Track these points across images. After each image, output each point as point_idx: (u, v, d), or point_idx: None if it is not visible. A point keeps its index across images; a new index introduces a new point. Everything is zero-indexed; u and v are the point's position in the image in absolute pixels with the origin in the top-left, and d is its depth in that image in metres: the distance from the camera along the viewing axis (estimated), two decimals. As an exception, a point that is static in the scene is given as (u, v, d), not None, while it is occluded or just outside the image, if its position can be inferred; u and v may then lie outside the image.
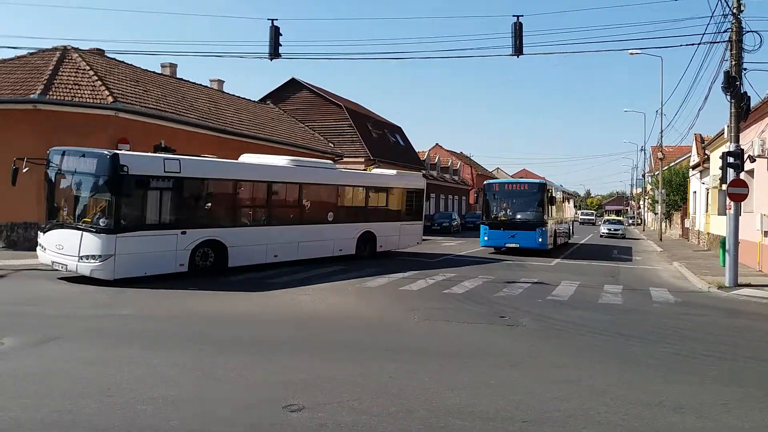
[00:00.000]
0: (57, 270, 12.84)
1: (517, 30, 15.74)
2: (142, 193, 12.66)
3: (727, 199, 15.64)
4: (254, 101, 33.76)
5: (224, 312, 10.39)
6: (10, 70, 19.41)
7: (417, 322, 9.88)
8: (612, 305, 12.37)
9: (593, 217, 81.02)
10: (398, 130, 47.69)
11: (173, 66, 27.99)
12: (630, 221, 75.73)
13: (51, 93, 17.93)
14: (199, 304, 10.96)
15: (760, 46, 15.05)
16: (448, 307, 11.45)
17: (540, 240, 23.05)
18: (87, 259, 12.11)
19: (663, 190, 40.33)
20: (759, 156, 18.52)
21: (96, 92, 18.60)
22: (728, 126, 16.12)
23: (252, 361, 7.21)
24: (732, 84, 15.10)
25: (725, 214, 16.09)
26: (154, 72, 25.50)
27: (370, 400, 5.82)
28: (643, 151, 64.82)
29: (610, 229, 43.05)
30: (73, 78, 18.99)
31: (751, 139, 19.30)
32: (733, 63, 15.26)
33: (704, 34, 26.92)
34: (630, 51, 28.17)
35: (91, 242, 12.09)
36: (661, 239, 37.42)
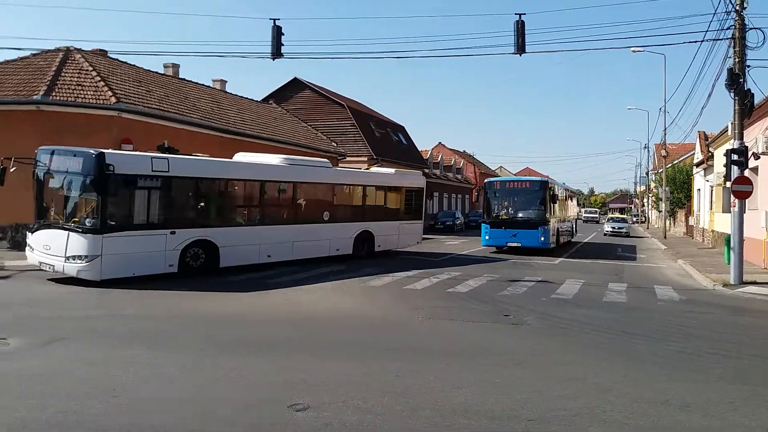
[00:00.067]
0: (45, 271, 12.71)
1: (520, 28, 15.71)
2: (129, 193, 12.53)
3: (732, 196, 15.59)
4: (257, 101, 33.77)
5: (226, 312, 10.39)
6: (13, 71, 19.45)
7: (421, 321, 9.87)
8: (617, 303, 12.34)
9: (597, 216, 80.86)
10: (401, 129, 47.67)
11: (176, 66, 27.99)
12: (634, 219, 75.52)
13: (54, 94, 17.96)
14: (199, 304, 10.96)
15: (763, 43, 14.99)
16: (452, 305, 11.44)
17: (542, 239, 22.77)
18: (73, 259, 11.99)
19: (667, 188, 40.21)
20: (763, 153, 18.48)
21: (99, 93, 18.62)
22: (732, 123, 16.06)
23: (255, 360, 7.21)
24: (735, 81, 15.05)
25: (730, 212, 16.05)
26: (156, 72, 25.52)
27: (375, 399, 5.81)
28: (646, 149, 64.51)
29: (614, 228, 42.61)
30: (76, 79, 19.02)
31: (755, 136, 19.24)
32: (737, 60, 15.20)
33: (707, 31, 26.93)
34: (632, 48, 27.92)
35: (78, 242, 11.97)
36: (665, 237, 37.35)
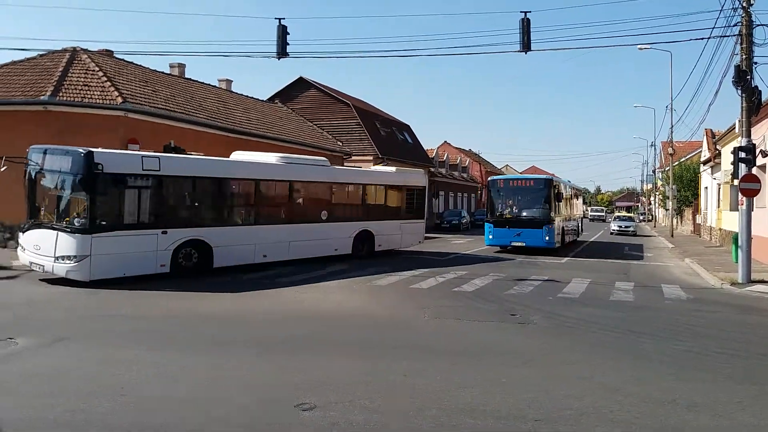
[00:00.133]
0: (35, 271, 12.65)
1: (525, 26, 15.66)
2: (119, 192, 12.39)
3: (739, 194, 15.51)
4: (262, 100, 33.83)
5: (226, 311, 10.40)
6: (20, 71, 19.55)
7: (427, 321, 9.87)
8: (623, 302, 12.29)
9: (603, 214, 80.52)
10: (406, 127, 47.63)
11: (182, 66, 28.07)
12: (641, 217, 75.20)
13: (61, 94, 18.04)
14: (197, 304, 10.96)
15: (770, 40, 14.89)
16: (458, 305, 11.42)
17: (547, 238, 22.44)
18: (62, 259, 11.89)
19: (674, 186, 40.03)
20: (771, 151, 18.35)
21: (105, 93, 18.69)
22: (739, 120, 15.98)
23: (260, 360, 7.23)
24: (743, 78, 14.97)
25: (737, 210, 15.96)
26: (162, 72, 25.59)
27: (382, 398, 5.81)
28: (653, 147, 64.26)
29: (620, 226, 42.04)
30: (82, 79, 19.10)
31: (762, 133, 19.13)
32: (744, 57, 15.12)
33: (714, 28, 26.68)
34: (639, 46, 27.88)
35: (66, 242, 11.88)
36: (672, 235, 37.18)
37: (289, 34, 16.31)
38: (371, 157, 35.39)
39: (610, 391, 6.23)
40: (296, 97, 38.76)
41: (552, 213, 22.79)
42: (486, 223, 23.94)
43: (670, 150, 40.06)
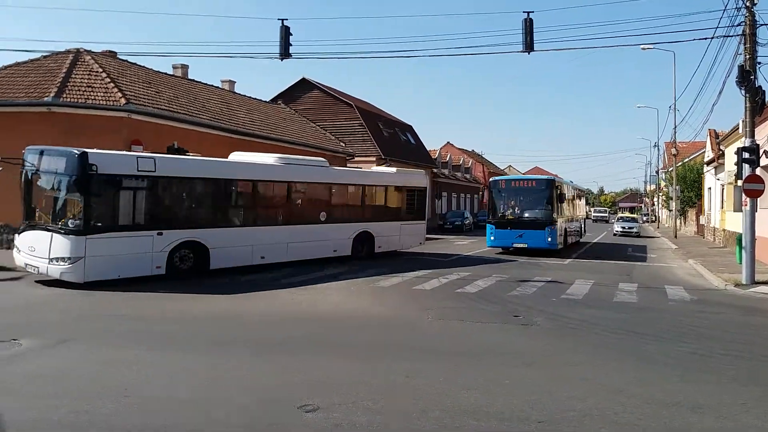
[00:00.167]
0: (30, 273, 12.62)
1: (528, 27, 15.65)
2: (113, 193, 12.32)
3: (743, 195, 15.48)
4: (265, 101, 33.89)
5: (227, 312, 10.41)
6: (24, 73, 19.62)
7: (431, 322, 9.86)
8: (627, 303, 12.27)
9: (606, 215, 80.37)
10: (409, 128, 47.65)
11: (185, 67, 28.13)
12: (644, 218, 75.00)
13: (65, 95, 18.09)
14: (196, 305, 10.96)
15: (775, 40, 14.88)
16: (461, 306, 11.41)
17: (549, 239, 22.17)
18: (57, 261, 11.82)
19: (677, 187, 39.91)
20: (775, 151, 18.29)
21: (109, 94, 18.75)
22: (743, 121, 15.94)
23: (263, 361, 7.23)
24: (746, 78, 14.95)
25: (741, 211, 15.93)
26: (165, 73, 25.66)
27: (385, 399, 5.81)
28: (656, 148, 64.14)
29: (624, 227, 41.72)
30: (86, 80, 19.15)
31: (766, 133, 19.07)
32: (747, 57, 15.10)
33: (717, 27, 26.44)
34: (642, 46, 27.71)
35: (61, 244, 11.81)
36: (675, 236, 37.10)
37: (291, 35, 16.33)
38: (374, 158, 35.41)
39: (613, 392, 6.21)
40: (299, 97, 38.83)
41: (554, 214, 22.55)
42: (488, 224, 23.64)
43: (673, 150, 39.95)
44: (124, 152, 13.29)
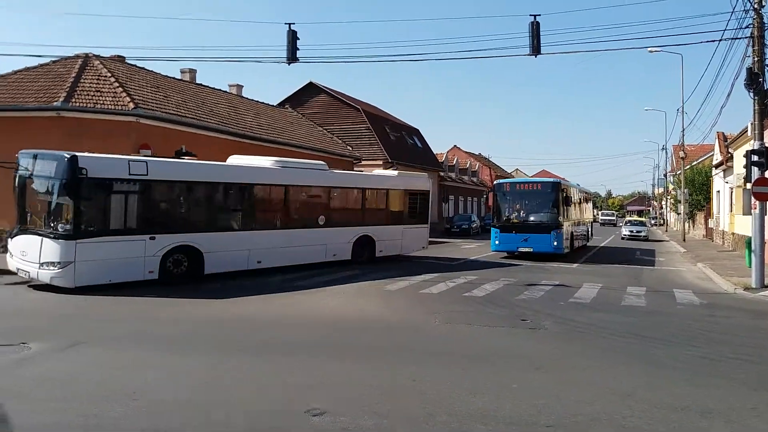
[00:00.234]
0: (22, 277, 12.60)
1: (535, 30, 15.65)
2: (104, 197, 12.18)
3: (752, 198, 15.38)
4: (273, 105, 34.00)
5: (234, 316, 10.42)
6: (33, 77, 19.78)
7: (438, 326, 9.85)
8: (635, 307, 12.21)
9: (614, 218, 79.96)
10: (416, 132, 47.70)
11: (193, 72, 28.29)
12: (652, 222, 74.65)
13: (74, 100, 18.22)
14: (205, 309, 10.99)
15: (783, 42, 14.80)
16: (469, 310, 11.39)
17: (555, 244, 21.75)
18: (47, 266, 11.73)
19: (685, 190, 39.70)
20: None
21: (117, 99, 18.86)
22: (752, 123, 15.87)
23: (273, 364, 7.24)
24: (755, 81, 14.88)
25: (750, 214, 15.82)
26: (174, 78, 25.80)
27: (392, 403, 5.81)
28: (664, 151, 63.85)
29: (632, 231, 41.08)
30: (95, 85, 19.29)
31: (776, 137, 18.94)
32: (756, 59, 15.03)
33: (725, 30, 26.61)
34: (649, 49, 27.70)
35: (50, 248, 11.71)
36: (684, 240, 36.89)
37: (299, 39, 16.38)
38: (381, 162, 35.47)
39: (621, 396, 6.18)
40: (306, 101, 38.96)
41: (560, 217, 22.16)
42: (492, 228, 23.25)
43: (681, 153, 39.78)
44: (116, 156, 13.10)
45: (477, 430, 5.22)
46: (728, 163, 29.94)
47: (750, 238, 16.29)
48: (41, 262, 11.83)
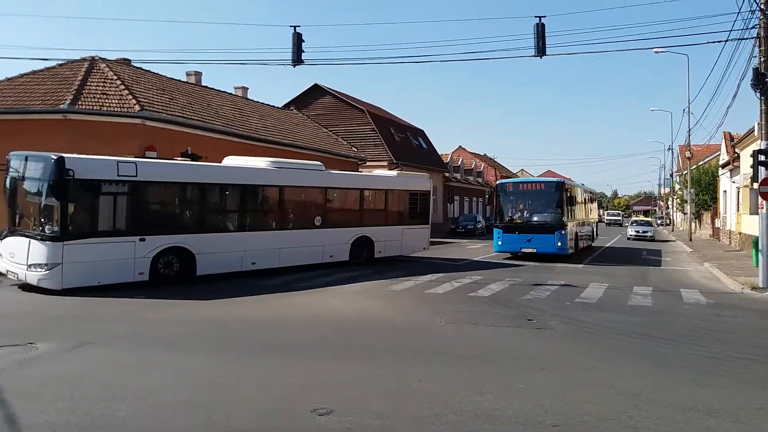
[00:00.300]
0: (12, 279, 12.59)
1: (540, 31, 15.67)
2: (92, 198, 12.11)
3: (759, 198, 15.31)
4: (278, 107, 34.09)
5: (236, 316, 10.45)
6: (40, 81, 19.87)
7: (443, 326, 9.85)
8: (642, 307, 12.18)
9: (620, 218, 79.66)
10: (421, 133, 47.71)
11: (198, 74, 28.40)
12: (658, 222, 74.37)
13: (80, 103, 18.30)
14: (205, 310, 11.00)
15: (789, 42, 14.74)
16: (474, 310, 11.39)
17: (559, 244, 21.49)
18: (34, 267, 11.70)
19: (692, 190, 39.54)
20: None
21: (123, 101, 18.94)
22: (758, 123, 15.79)
23: (277, 364, 7.26)
24: (761, 81, 14.82)
25: (757, 214, 15.75)
26: (179, 80, 25.89)
27: (398, 403, 5.81)
28: (670, 151, 63.72)
29: (638, 232, 40.54)
30: (101, 88, 19.37)
31: (782, 136, 18.84)
32: (762, 59, 14.97)
33: (731, 30, 26.31)
34: (655, 49, 27.55)
35: (38, 250, 11.69)
36: (690, 239, 36.74)
37: (304, 41, 16.44)
38: (386, 163, 35.50)
39: (628, 396, 6.17)
40: (311, 103, 39.05)
41: (564, 217, 21.85)
42: (495, 229, 22.88)
43: (687, 153, 39.64)
44: (104, 157, 12.98)
45: (483, 429, 5.22)
46: (735, 163, 29.83)
47: (757, 238, 16.21)
48: (29, 263, 11.81)
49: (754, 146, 16.60)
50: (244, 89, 31.44)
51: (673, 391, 6.37)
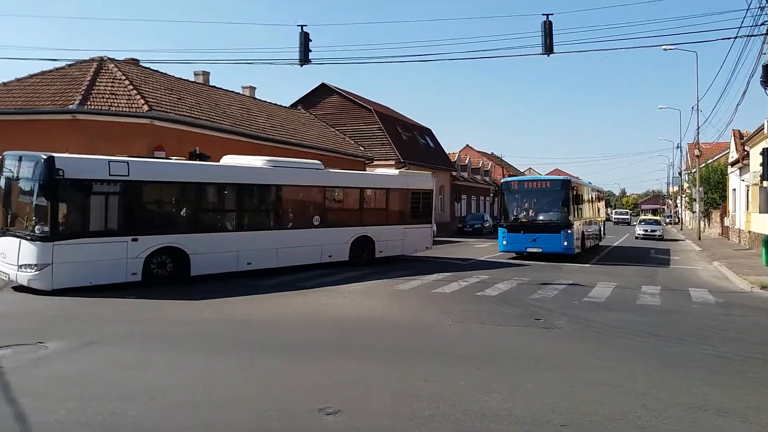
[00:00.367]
0: (3, 279, 12.51)
1: (547, 29, 15.62)
2: (82, 198, 12.01)
3: (769, 196, 15.22)
4: (285, 107, 34.15)
5: (248, 316, 10.48)
6: (49, 81, 20.00)
7: (451, 325, 9.84)
8: (650, 306, 12.13)
9: (628, 217, 79.26)
10: (428, 131, 47.67)
11: (206, 74, 28.51)
12: (667, 220, 74.00)
13: (89, 103, 18.41)
14: (218, 309, 11.05)
15: (800, 39, 14.65)
16: (481, 309, 11.37)
17: (565, 243, 20.92)
18: (24, 268, 11.63)
19: (701, 188, 39.28)
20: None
21: (132, 101, 19.05)
22: (768, 121, 15.71)
23: (285, 364, 7.27)
24: (771, 78, 14.73)
25: (767, 212, 15.65)
26: (187, 80, 25.99)
27: (406, 403, 5.81)
28: (679, 149, 63.33)
29: (646, 230, 40.18)
30: (110, 88, 19.49)
31: (793, 134, 18.73)
32: (773, 57, 14.88)
33: (740, 27, 26.09)
34: (663, 47, 27.41)
35: (28, 250, 11.62)
36: (699, 238, 36.52)
37: (311, 41, 16.47)
38: (393, 162, 35.50)
39: (636, 396, 6.15)
40: (318, 103, 39.12)
41: (570, 216, 21.49)
42: (500, 228, 22.49)
43: (696, 152, 39.38)
44: (96, 156, 12.90)
45: (490, 429, 5.22)
46: (744, 161, 29.63)
47: (767, 236, 16.11)
48: (19, 264, 11.75)
49: (764, 144, 16.51)
50: (252, 89, 31.53)
51: (681, 391, 6.34)
